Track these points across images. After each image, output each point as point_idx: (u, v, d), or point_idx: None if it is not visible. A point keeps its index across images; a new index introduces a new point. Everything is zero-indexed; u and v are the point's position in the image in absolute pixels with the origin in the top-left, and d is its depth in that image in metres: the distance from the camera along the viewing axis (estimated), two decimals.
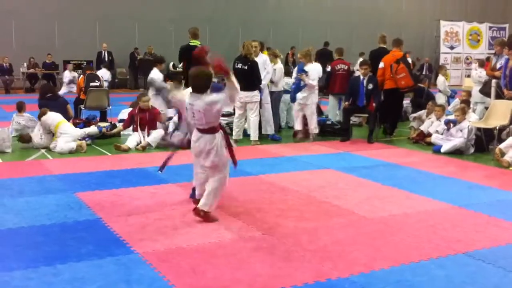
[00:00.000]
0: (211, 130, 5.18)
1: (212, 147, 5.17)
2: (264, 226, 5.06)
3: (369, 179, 7.00)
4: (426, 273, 4.04)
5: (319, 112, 12.27)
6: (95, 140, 9.48)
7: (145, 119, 9.30)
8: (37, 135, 8.97)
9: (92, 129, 9.59)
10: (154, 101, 9.23)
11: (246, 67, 9.23)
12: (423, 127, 9.95)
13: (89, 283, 3.79)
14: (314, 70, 10.02)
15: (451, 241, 4.71)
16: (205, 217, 5.15)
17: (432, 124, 9.76)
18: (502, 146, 8.16)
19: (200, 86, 5.13)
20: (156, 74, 9.86)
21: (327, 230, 5.01)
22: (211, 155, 5.18)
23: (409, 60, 11.08)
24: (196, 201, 5.39)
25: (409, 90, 10.81)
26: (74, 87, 15.55)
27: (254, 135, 9.56)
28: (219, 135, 5.22)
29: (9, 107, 13.72)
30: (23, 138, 9.02)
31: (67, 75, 18.95)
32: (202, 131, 5.20)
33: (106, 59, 20.47)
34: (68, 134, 8.82)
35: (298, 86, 9.77)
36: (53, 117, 9.06)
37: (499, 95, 9.47)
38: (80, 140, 8.95)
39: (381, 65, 10.45)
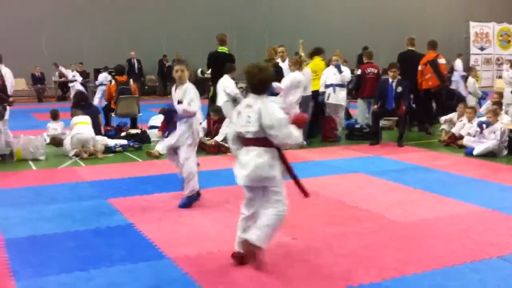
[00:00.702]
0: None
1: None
2: (294, 231, 5.05)
3: (400, 183, 6.94)
4: (460, 277, 3.99)
5: (348, 115, 12.25)
6: (126, 147, 9.58)
7: None
8: (68, 142, 9.13)
9: (119, 142, 9.65)
10: (225, 108, 9.38)
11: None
12: (454, 130, 9.81)
13: None
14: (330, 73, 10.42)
15: (485, 245, 4.64)
16: (255, 254, 4.15)
17: (464, 127, 9.62)
18: None
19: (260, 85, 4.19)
20: (229, 82, 9.91)
21: (357, 235, 4.98)
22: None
23: (443, 61, 11.07)
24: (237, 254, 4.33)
25: (437, 90, 11.05)
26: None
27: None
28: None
29: (42, 115, 14.02)
30: (54, 140, 9.25)
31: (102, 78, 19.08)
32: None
33: (136, 66, 20.74)
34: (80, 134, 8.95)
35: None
36: (80, 118, 9.25)
37: None
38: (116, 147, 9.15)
39: (419, 68, 10.99)
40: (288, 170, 4.23)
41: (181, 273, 4.10)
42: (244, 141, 4.18)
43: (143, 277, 4.03)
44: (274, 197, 4.17)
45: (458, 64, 19.72)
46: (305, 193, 4.30)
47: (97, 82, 18.40)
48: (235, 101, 8.94)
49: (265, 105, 4.08)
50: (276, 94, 6.36)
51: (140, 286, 3.86)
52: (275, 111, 4.05)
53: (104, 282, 3.95)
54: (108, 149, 9.25)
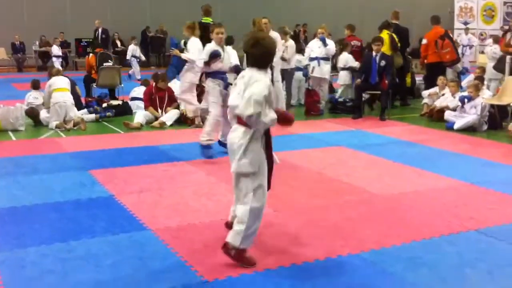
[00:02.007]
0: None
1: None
2: (276, 203, 5.07)
3: (381, 157, 6.99)
4: (438, 250, 4.05)
5: (331, 89, 12.25)
6: (104, 117, 9.51)
7: (163, 97, 9.42)
8: (45, 114, 9.04)
9: (90, 116, 9.57)
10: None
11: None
12: (437, 103, 9.84)
13: (102, 259, 3.84)
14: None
15: (463, 219, 4.71)
16: (236, 256, 3.74)
17: (445, 100, 9.65)
18: None
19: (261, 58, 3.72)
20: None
21: (339, 207, 5.02)
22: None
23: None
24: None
25: (453, 63, 11.18)
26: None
27: None
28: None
29: (22, 85, 13.82)
30: (32, 112, 9.09)
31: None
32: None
33: (100, 37, 20.04)
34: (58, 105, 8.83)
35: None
36: (60, 82, 9.10)
37: None
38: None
39: (424, 41, 11.10)
40: (269, 157, 3.78)
41: (162, 245, 4.11)
42: (236, 116, 3.74)
43: (124, 248, 4.03)
44: (244, 191, 3.71)
45: None
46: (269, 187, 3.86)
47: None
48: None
49: (254, 76, 3.61)
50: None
51: (121, 257, 3.86)
52: (260, 85, 3.54)
53: (84, 253, 3.94)
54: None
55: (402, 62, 11.06)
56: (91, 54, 11.86)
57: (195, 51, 8.52)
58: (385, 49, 10.40)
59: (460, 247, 4.11)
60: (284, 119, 3.74)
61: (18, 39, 19.87)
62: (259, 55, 3.66)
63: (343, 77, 11.41)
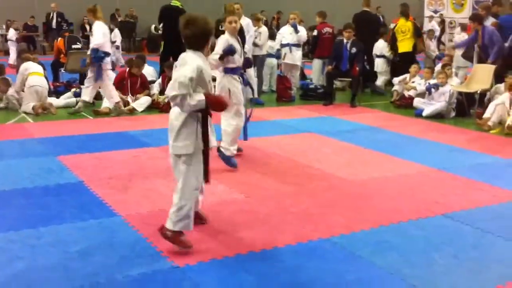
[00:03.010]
0: None
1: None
2: (247, 189, 5.10)
3: (351, 143, 7.05)
4: (405, 234, 4.12)
5: (303, 76, 12.28)
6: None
7: (135, 83, 9.37)
8: (14, 95, 8.92)
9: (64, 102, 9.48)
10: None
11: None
12: (405, 91, 9.96)
13: (72, 245, 3.80)
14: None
15: (430, 203, 4.79)
16: (171, 238, 3.74)
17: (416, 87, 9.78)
18: (486, 114, 8.09)
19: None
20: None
21: (309, 193, 5.06)
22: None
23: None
24: None
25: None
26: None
27: None
28: None
29: None
30: None
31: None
32: None
33: (55, 21, 19.50)
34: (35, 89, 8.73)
35: None
36: (35, 67, 9.00)
37: (481, 60, 9.52)
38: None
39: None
40: (204, 141, 3.64)
41: (132, 231, 4.09)
42: None
43: (94, 234, 4.00)
44: (179, 173, 3.73)
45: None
46: (207, 180, 3.77)
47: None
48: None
49: (186, 59, 3.60)
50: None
51: (91, 244, 3.83)
52: (186, 67, 3.49)
53: (53, 240, 3.90)
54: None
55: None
56: (59, 38, 11.67)
57: (99, 35, 8.42)
58: (410, 36, 10.88)
59: (427, 231, 4.19)
60: (215, 103, 3.61)
61: None
62: (191, 35, 3.59)
63: (380, 65, 11.70)
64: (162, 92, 9.62)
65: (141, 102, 9.16)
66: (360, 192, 5.13)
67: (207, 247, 3.80)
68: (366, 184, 5.38)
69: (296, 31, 10.64)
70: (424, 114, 8.90)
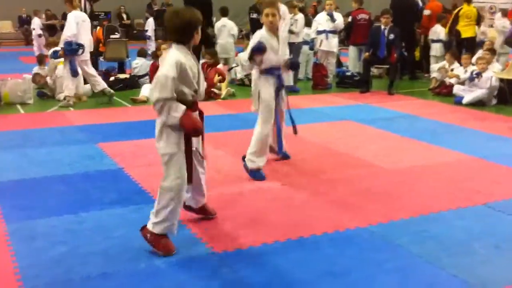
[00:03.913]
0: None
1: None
2: (283, 177, 5.09)
3: (389, 131, 6.97)
4: (445, 223, 4.06)
5: (339, 63, 12.17)
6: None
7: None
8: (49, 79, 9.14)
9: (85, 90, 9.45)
10: None
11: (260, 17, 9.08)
12: (452, 79, 9.74)
13: (112, 231, 3.87)
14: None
15: (471, 192, 4.71)
16: (151, 242, 3.58)
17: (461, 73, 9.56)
18: None
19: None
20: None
21: (346, 181, 5.03)
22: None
23: None
24: None
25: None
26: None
27: None
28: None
29: (29, 58, 13.82)
30: (37, 79, 9.14)
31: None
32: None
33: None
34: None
35: None
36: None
37: None
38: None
39: (427, 12, 11.59)
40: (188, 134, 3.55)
41: None
42: None
43: (133, 220, 4.06)
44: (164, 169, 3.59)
45: None
46: (190, 181, 3.66)
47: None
48: None
49: (168, 55, 3.42)
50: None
51: (130, 229, 3.89)
52: (165, 64, 3.35)
53: (93, 225, 3.98)
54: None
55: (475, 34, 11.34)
56: (98, 27, 11.81)
57: (72, 25, 8.19)
58: (472, 22, 10.92)
59: (468, 221, 4.11)
60: (187, 125, 3.40)
61: (25, 12, 19.76)
62: (173, 28, 3.39)
63: (437, 49, 11.60)
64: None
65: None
66: (398, 180, 5.07)
67: (245, 234, 3.82)
68: (404, 172, 5.31)
69: (333, 19, 10.54)
70: (464, 101, 8.72)
